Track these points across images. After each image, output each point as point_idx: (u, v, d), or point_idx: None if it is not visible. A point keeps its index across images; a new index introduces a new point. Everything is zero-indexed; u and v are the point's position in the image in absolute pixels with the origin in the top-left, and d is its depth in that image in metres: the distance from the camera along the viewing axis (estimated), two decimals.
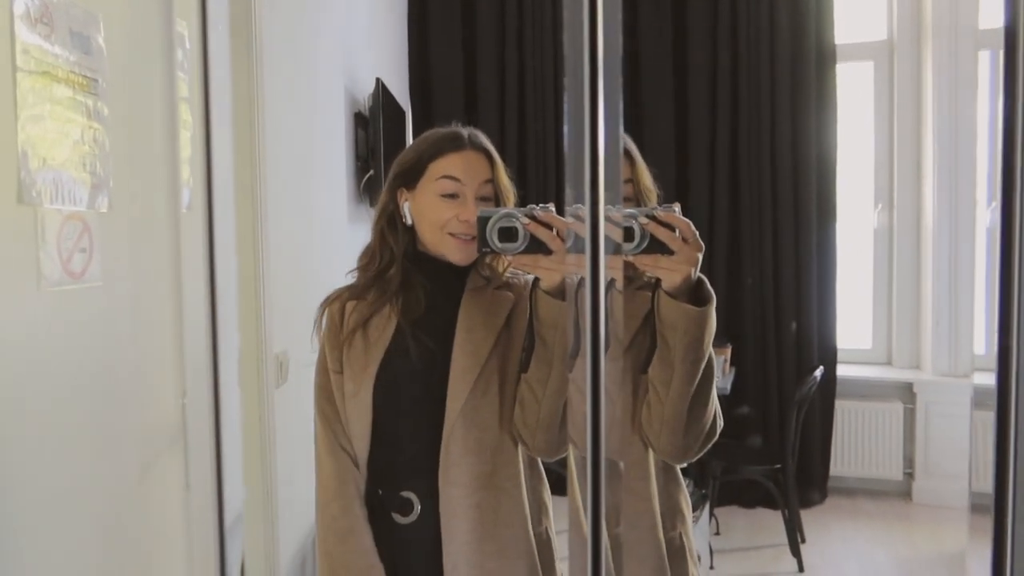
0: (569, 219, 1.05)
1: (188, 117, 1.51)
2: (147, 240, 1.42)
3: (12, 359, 1.08)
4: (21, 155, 1.07)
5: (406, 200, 1.26)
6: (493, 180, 1.23)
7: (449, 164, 1.22)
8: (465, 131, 1.26)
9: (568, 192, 0.64)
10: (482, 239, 1.09)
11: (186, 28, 1.52)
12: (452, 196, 1.21)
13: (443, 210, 1.21)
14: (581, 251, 0.66)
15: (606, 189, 0.62)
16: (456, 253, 1.23)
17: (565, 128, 0.64)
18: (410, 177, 1.26)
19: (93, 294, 1.25)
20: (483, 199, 1.22)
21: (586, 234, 0.62)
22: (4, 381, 1.06)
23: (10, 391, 1.07)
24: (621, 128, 0.64)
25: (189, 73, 1.51)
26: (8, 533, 1.07)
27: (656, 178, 1.31)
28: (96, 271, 1.25)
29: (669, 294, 1.08)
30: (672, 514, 1.29)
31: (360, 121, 3.06)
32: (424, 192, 1.23)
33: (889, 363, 4.21)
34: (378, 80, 3.06)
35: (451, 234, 1.21)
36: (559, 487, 1.44)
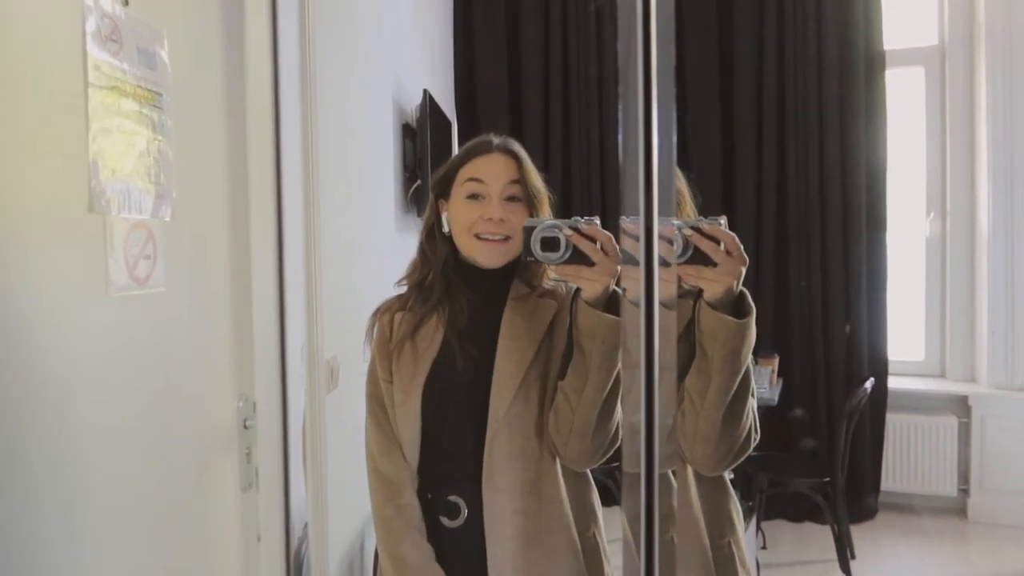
0: (624, 231, 1.06)
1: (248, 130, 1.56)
2: (207, 248, 1.47)
3: (81, 361, 1.13)
4: (92, 166, 1.12)
5: (444, 211, 1.30)
6: (521, 181, 1.25)
7: (474, 167, 1.26)
8: (497, 138, 1.29)
9: (623, 203, 0.65)
10: (526, 247, 1.12)
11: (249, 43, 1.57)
12: (478, 197, 1.24)
13: (469, 211, 1.24)
14: (625, 263, 0.66)
15: (660, 201, 0.63)
16: (484, 255, 1.25)
17: (619, 138, 0.65)
18: (444, 187, 1.30)
19: (156, 299, 1.30)
20: (511, 199, 1.24)
21: (639, 247, 0.63)
22: (74, 382, 1.11)
23: (79, 391, 1.12)
24: (675, 140, 0.65)
25: (248, 89, 1.56)
26: (71, 533, 1.11)
27: (693, 181, 1.32)
28: (160, 277, 1.30)
29: (710, 305, 1.09)
30: (720, 522, 1.28)
31: (408, 132, 3.10)
32: (454, 198, 1.27)
33: (943, 375, 4.11)
34: (425, 91, 3.11)
35: (477, 236, 1.24)
36: (607, 498, 1.45)
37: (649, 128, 0.62)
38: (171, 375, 1.35)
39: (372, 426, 1.31)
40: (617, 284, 1.13)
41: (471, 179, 1.25)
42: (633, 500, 0.67)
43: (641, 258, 0.63)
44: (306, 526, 1.50)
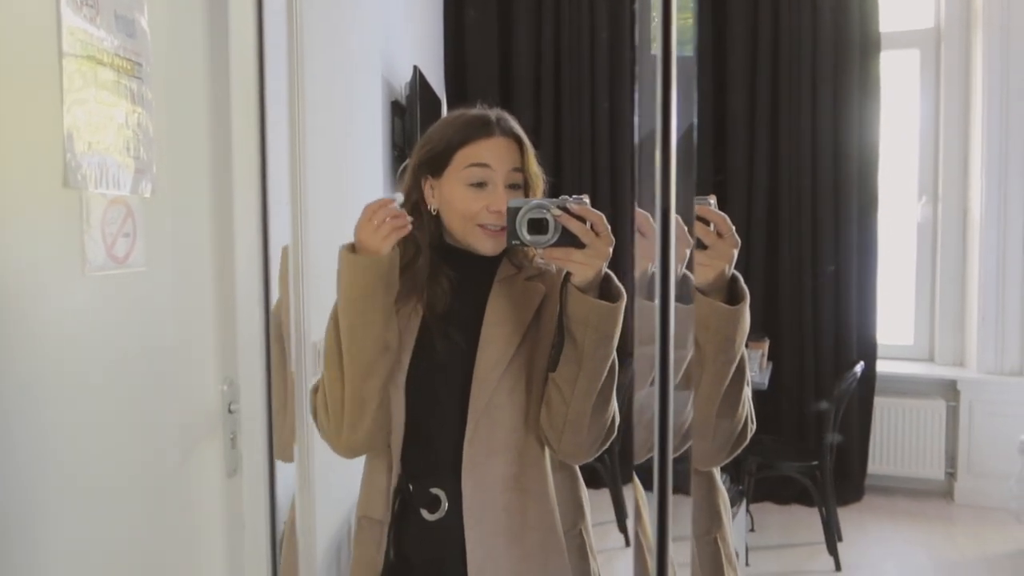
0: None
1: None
2: (189, 226, 1.42)
3: (57, 342, 1.08)
4: (67, 138, 1.07)
5: (431, 188, 1.21)
6: (522, 167, 1.18)
7: (478, 152, 1.17)
8: (493, 114, 1.20)
9: (640, 189, 0.62)
10: (511, 231, 1.05)
11: (230, 13, 1.51)
12: (480, 185, 1.16)
13: (471, 201, 1.16)
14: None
15: (679, 180, 0.59)
16: (486, 244, 1.18)
17: (635, 119, 0.62)
18: (436, 165, 1.20)
19: (136, 279, 1.25)
20: (512, 187, 1.17)
21: (655, 227, 0.59)
22: (48, 364, 1.06)
23: (55, 374, 1.07)
24: (695, 118, 0.61)
25: (233, 62, 1.50)
26: (51, 519, 1.07)
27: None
28: (139, 256, 1.25)
29: (700, 291, 1.02)
30: (707, 517, 1.24)
31: (397, 109, 3.04)
32: (451, 181, 1.18)
33: (931, 360, 4.12)
34: (415, 68, 3.04)
35: (480, 225, 1.17)
36: (592, 481, 1.41)
37: (667, 103, 0.58)
38: (152, 358, 1.30)
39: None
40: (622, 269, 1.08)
41: (476, 164, 1.16)
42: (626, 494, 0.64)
43: (657, 237, 0.60)
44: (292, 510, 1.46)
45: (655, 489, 0.60)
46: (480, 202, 1.16)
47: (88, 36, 1.12)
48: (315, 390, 1.21)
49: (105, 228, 1.16)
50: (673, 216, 0.59)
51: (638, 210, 1.04)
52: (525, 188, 1.19)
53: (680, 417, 0.60)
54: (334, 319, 1.16)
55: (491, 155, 1.17)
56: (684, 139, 0.58)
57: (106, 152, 1.15)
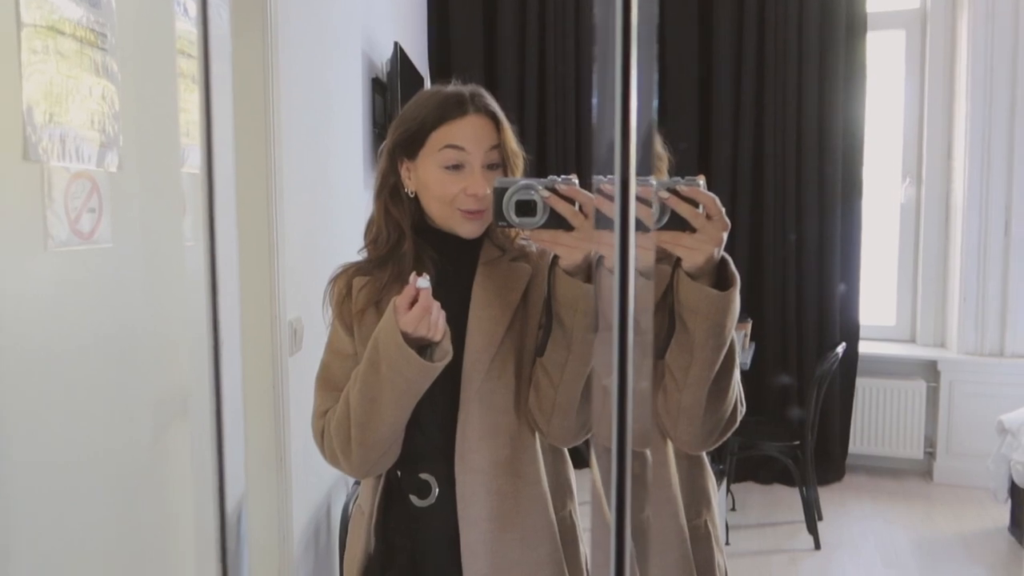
0: (594, 194, 0.98)
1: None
2: (158, 201, 1.39)
3: (19, 319, 1.06)
4: (26, 111, 1.04)
5: (407, 170, 1.17)
6: (500, 145, 1.14)
7: (452, 132, 1.12)
8: (467, 91, 1.16)
9: (597, 164, 0.60)
10: (498, 212, 1.01)
11: None
12: (456, 167, 1.12)
13: (449, 184, 1.12)
14: (606, 228, 0.61)
15: (639, 161, 0.57)
16: (465, 227, 1.15)
17: (594, 100, 0.60)
18: (411, 147, 1.16)
19: (103, 255, 1.22)
20: (490, 167, 1.13)
21: (615, 209, 0.58)
22: (11, 341, 1.04)
23: (17, 352, 1.05)
24: (655, 99, 0.59)
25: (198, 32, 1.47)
26: (18, 498, 1.05)
27: (668, 140, 1.25)
28: (106, 232, 1.22)
29: (690, 275, 1.00)
30: (697, 501, 1.24)
31: (378, 87, 3.00)
32: (427, 164, 1.14)
33: (913, 341, 4.14)
34: (396, 44, 3.00)
35: (460, 209, 1.13)
36: (581, 460, 1.40)
37: (627, 89, 0.56)
38: (121, 335, 1.28)
39: (319, 392, 1.21)
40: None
41: (450, 146, 1.12)
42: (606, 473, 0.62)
43: (616, 220, 0.58)
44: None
45: (613, 475, 0.59)
46: (457, 185, 1.12)
47: (48, 5, 1.08)
48: (320, 415, 1.20)
49: (68, 202, 1.13)
50: (632, 199, 0.58)
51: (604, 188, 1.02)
52: (504, 167, 1.16)
53: (641, 401, 0.59)
54: (362, 385, 1.12)
55: (466, 136, 1.13)
56: (643, 114, 0.56)
57: (68, 124, 1.12)
